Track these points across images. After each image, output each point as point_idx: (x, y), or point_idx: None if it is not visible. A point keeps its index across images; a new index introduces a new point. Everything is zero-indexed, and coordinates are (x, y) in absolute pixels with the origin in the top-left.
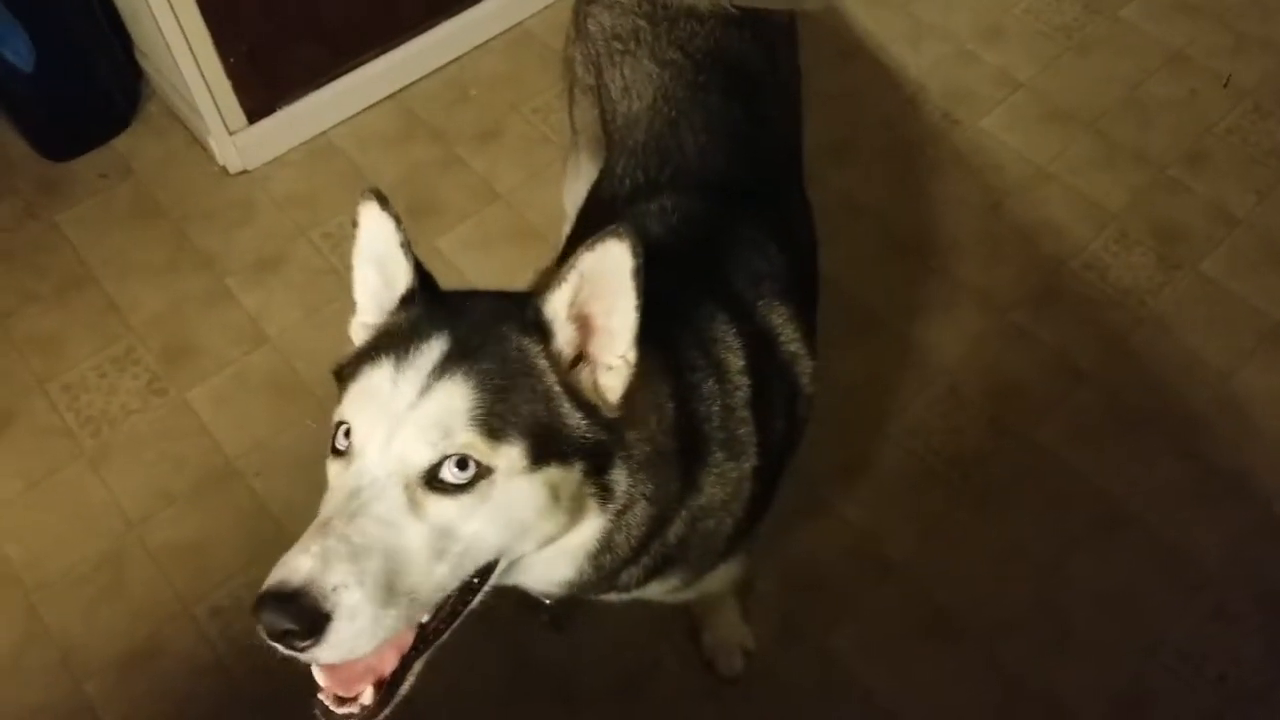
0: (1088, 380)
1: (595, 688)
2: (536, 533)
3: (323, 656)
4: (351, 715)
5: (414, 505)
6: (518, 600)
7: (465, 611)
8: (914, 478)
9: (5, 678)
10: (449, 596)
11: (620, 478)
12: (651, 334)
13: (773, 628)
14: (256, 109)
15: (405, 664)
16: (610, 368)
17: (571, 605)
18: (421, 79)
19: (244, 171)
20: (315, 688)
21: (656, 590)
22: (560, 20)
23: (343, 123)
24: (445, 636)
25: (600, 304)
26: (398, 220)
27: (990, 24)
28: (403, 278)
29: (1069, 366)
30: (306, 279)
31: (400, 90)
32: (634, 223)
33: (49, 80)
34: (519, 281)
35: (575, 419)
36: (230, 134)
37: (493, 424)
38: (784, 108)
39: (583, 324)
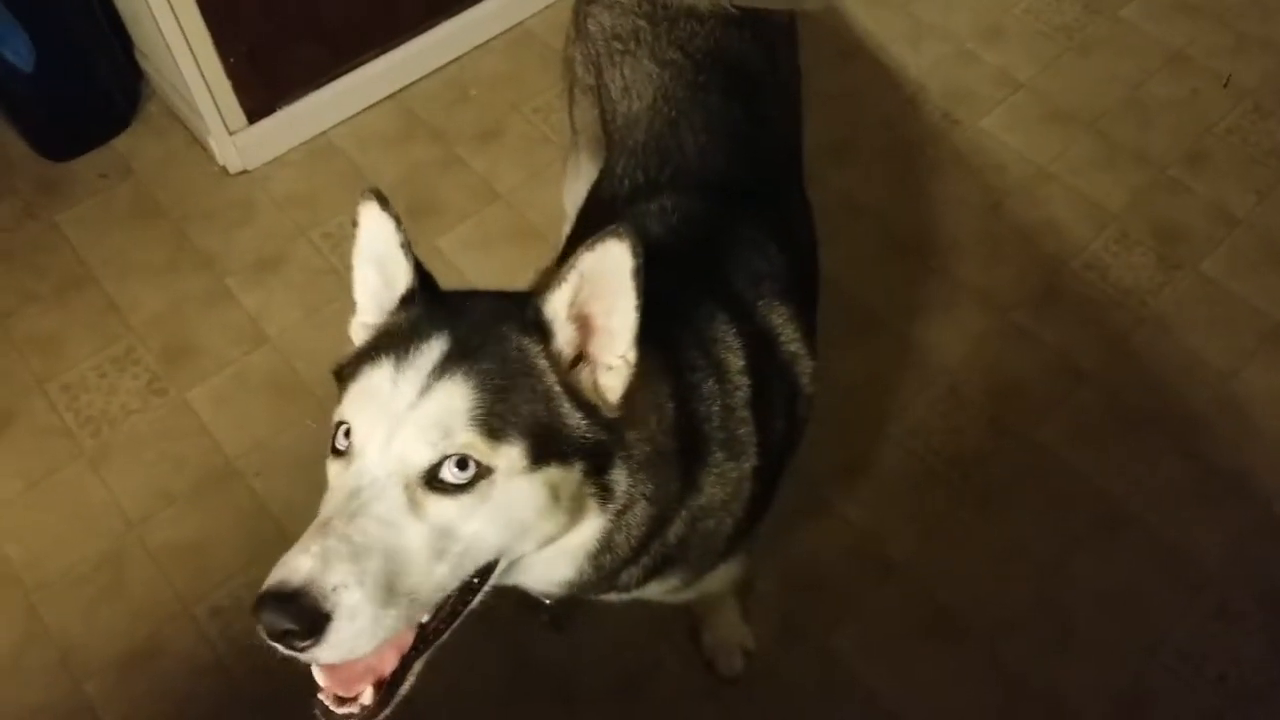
0: (1088, 380)
1: (595, 688)
2: (537, 533)
3: (323, 657)
4: (352, 715)
5: (414, 505)
6: (518, 600)
7: (465, 612)
8: (915, 477)
9: (5, 678)
10: (449, 597)
11: (620, 478)
12: (651, 334)
13: (773, 628)
14: (256, 109)
15: (405, 664)
16: (610, 368)
17: (571, 605)
18: (422, 79)
19: (244, 171)
20: (315, 688)
21: (656, 590)
22: (561, 20)
23: (343, 123)
24: (445, 636)
25: (600, 304)
26: (398, 220)
27: (990, 24)
28: (403, 278)
29: (1070, 366)
30: (306, 279)
31: (400, 90)
32: (634, 223)
33: (49, 80)
34: (519, 281)
35: (575, 419)
36: (230, 134)
37: (493, 424)
38: (784, 108)
39: (583, 324)
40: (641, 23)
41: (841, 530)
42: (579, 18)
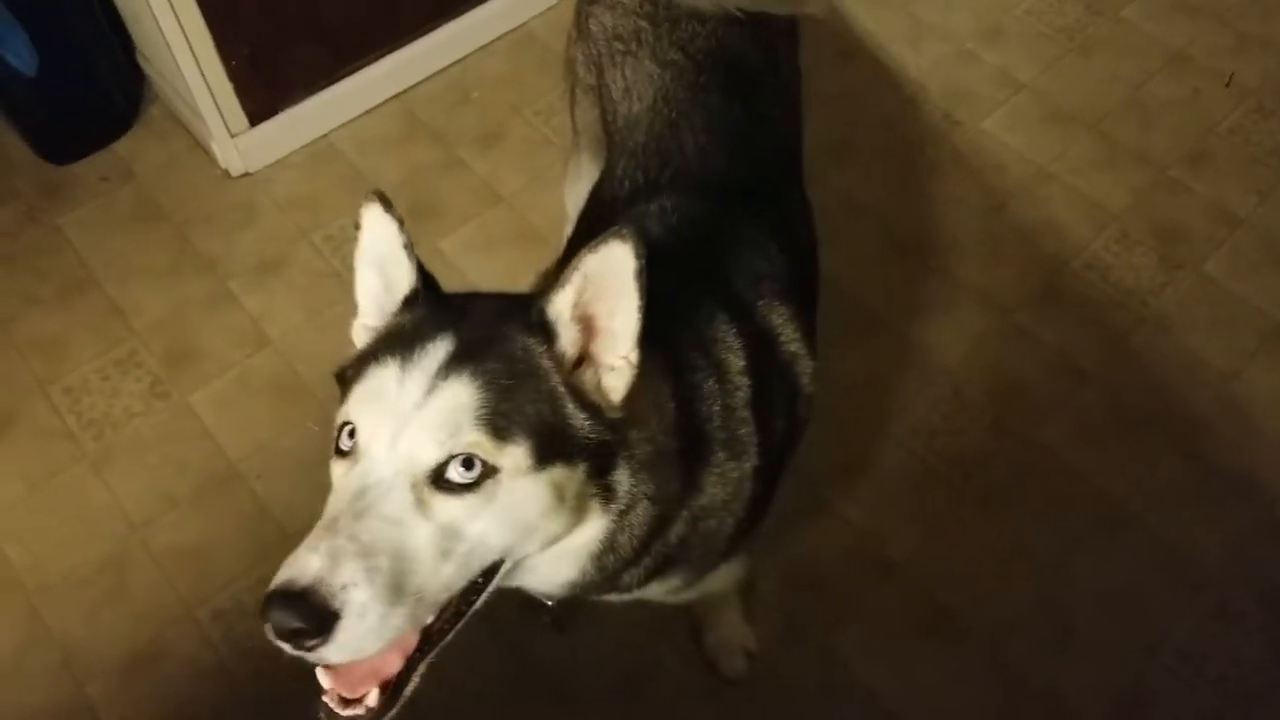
0: (1090, 381)
1: (596, 688)
2: (541, 533)
3: (331, 656)
4: (357, 717)
5: (421, 504)
6: (520, 602)
7: (469, 612)
8: (915, 478)
9: (7, 680)
10: (453, 597)
11: (623, 478)
12: (652, 334)
13: (775, 628)
14: (258, 111)
15: (410, 665)
16: (613, 368)
17: (573, 607)
18: (423, 81)
19: (246, 174)
20: (318, 690)
21: (658, 590)
22: (562, 22)
23: (344, 125)
24: (449, 637)
25: (603, 305)
26: (401, 222)
27: (991, 24)
28: (405, 279)
29: (1071, 367)
30: (308, 281)
31: (402, 92)
32: (634, 224)
33: (50, 83)
34: (521, 284)
35: (579, 419)
36: (232, 136)
37: (498, 424)
38: (784, 108)
39: (586, 325)
40: (643, 23)
41: (842, 530)
42: (581, 18)
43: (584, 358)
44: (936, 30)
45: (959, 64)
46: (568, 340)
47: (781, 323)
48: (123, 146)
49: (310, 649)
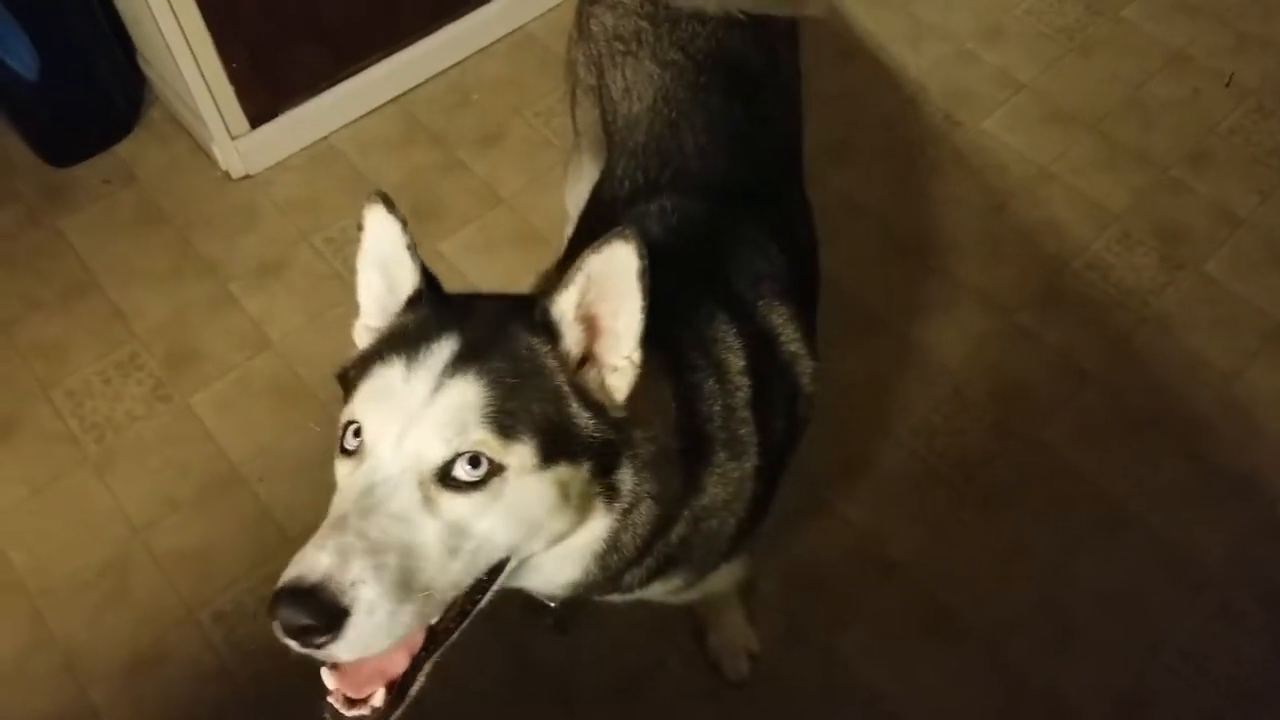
0: (1091, 381)
1: (597, 688)
2: (547, 531)
3: (340, 653)
4: (363, 717)
5: (428, 502)
6: (523, 603)
7: (474, 612)
8: (916, 478)
9: (10, 684)
10: (460, 595)
11: (626, 477)
12: (653, 334)
13: (776, 629)
14: (259, 114)
15: (415, 665)
16: (616, 368)
17: (576, 607)
18: (423, 83)
19: (246, 176)
20: (320, 691)
21: (659, 591)
22: (563, 24)
23: (345, 127)
24: (455, 636)
25: (607, 305)
26: (404, 222)
27: (991, 24)
28: (409, 280)
29: (1073, 367)
30: (309, 284)
31: (402, 94)
32: (634, 224)
33: (52, 86)
34: (522, 285)
35: (583, 418)
36: (233, 139)
37: (504, 422)
38: (785, 108)
39: (589, 325)
40: (643, 24)
41: (843, 531)
42: (581, 18)
43: (587, 357)
44: (936, 30)
45: (959, 64)
46: (571, 340)
47: (782, 323)
48: (124, 149)
49: (319, 646)
